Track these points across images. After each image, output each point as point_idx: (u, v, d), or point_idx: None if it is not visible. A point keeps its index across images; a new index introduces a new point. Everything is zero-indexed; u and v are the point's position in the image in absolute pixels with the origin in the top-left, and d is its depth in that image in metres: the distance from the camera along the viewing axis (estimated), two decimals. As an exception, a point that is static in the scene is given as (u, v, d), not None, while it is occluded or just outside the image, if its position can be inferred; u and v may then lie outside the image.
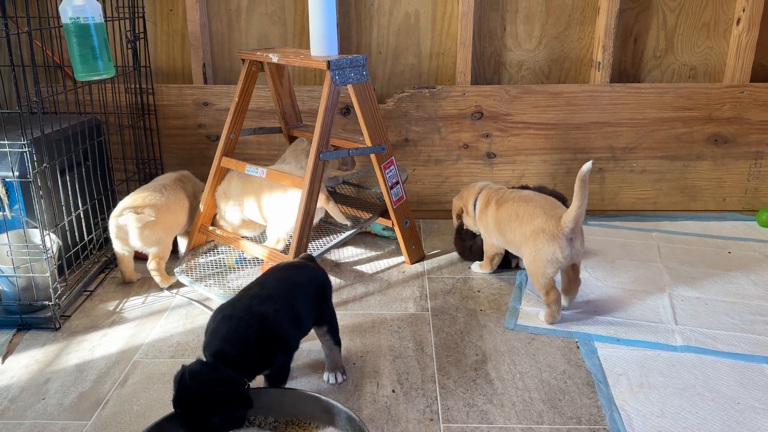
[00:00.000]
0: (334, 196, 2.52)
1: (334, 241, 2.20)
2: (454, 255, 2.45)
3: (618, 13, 2.57)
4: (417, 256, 2.39)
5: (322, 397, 1.45)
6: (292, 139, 2.44)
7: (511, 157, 2.73)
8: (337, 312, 1.98)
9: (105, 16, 2.09)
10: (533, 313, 2.02)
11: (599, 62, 2.63)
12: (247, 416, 1.41)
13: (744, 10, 2.56)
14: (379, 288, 2.20)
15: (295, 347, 1.55)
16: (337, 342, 1.68)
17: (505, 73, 2.78)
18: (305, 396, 1.47)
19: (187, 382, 1.34)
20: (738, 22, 2.60)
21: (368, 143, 2.14)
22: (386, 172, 2.21)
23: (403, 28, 2.71)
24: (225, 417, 1.33)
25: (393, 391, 1.66)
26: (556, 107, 2.65)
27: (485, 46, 2.73)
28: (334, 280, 2.24)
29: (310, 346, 1.84)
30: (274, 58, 2.10)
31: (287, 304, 1.51)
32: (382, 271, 2.32)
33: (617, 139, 2.68)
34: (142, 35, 2.57)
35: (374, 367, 1.76)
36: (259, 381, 1.52)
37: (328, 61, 1.94)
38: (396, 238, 2.43)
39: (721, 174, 2.70)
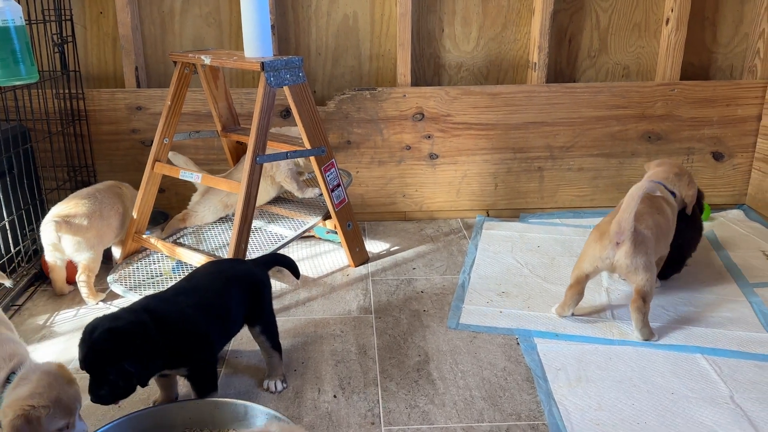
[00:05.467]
0: (275, 198, 2.49)
1: (275, 246, 2.16)
2: (399, 256, 2.44)
3: (552, 14, 2.61)
4: (361, 259, 2.37)
5: (258, 407, 1.42)
6: (229, 142, 2.39)
7: (453, 157, 2.74)
8: (279, 318, 1.95)
9: (30, 19, 2.00)
10: (475, 312, 2.03)
11: (535, 63, 2.68)
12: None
13: (672, 11, 2.64)
14: (322, 292, 2.17)
15: (219, 343, 1.52)
16: (275, 346, 1.65)
17: (444, 74, 2.79)
18: (239, 406, 1.44)
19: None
20: (667, 22, 2.68)
21: (307, 146, 2.11)
22: (327, 174, 2.19)
23: (341, 29, 2.69)
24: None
25: (334, 396, 1.64)
26: (495, 108, 2.68)
27: (424, 47, 2.74)
28: (277, 285, 2.20)
29: (250, 353, 1.80)
30: (207, 60, 2.05)
31: (211, 297, 1.48)
32: (326, 275, 2.30)
33: (554, 139, 2.72)
34: (70, 39, 2.48)
35: (316, 373, 1.73)
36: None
37: (262, 63, 1.90)
38: (340, 242, 2.40)
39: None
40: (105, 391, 1.33)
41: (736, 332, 1.89)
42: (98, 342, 1.32)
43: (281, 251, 2.13)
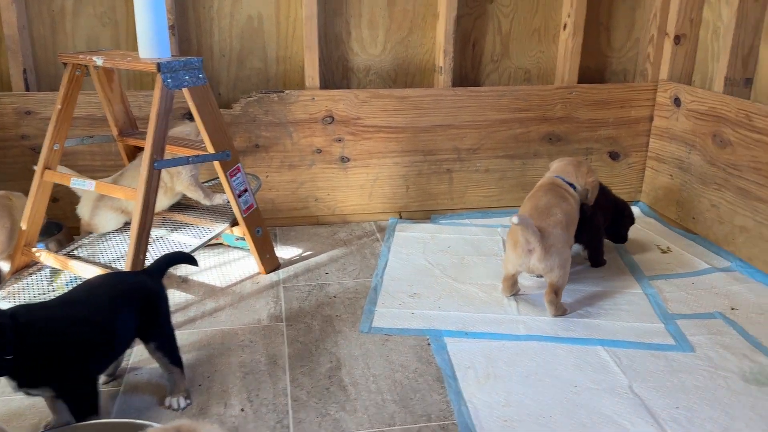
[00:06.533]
0: (178, 205, 2.39)
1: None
2: (311, 261, 2.41)
3: (456, 18, 2.66)
4: (272, 266, 2.32)
5: (159, 426, 1.35)
6: (127, 147, 2.27)
7: (365, 160, 2.74)
8: (184, 330, 1.88)
9: None
10: (388, 314, 2.03)
11: (441, 67, 2.71)
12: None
13: (569, 16, 2.75)
14: (230, 301, 2.10)
15: (100, 362, 1.43)
16: (175, 361, 1.57)
17: (353, 77, 2.78)
18: (138, 426, 1.36)
19: None
20: (564, 27, 2.79)
21: (210, 150, 2.04)
22: (233, 180, 2.12)
23: (246, 31, 2.63)
24: None
25: (242, 409, 1.58)
26: (404, 111, 2.70)
27: (332, 50, 2.72)
28: (181, 297, 2.11)
29: (151, 369, 1.71)
30: (99, 62, 1.94)
31: (91, 312, 1.39)
32: (235, 283, 2.23)
33: (462, 141, 2.77)
34: (-54, 37, 2.28)
35: (222, 387, 1.66)
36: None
37: (158, 63, 1.82)
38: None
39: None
40: None
41: (634, 324, 1.98)
42: None
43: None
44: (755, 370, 1.74)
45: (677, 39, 2.75)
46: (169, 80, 1.85)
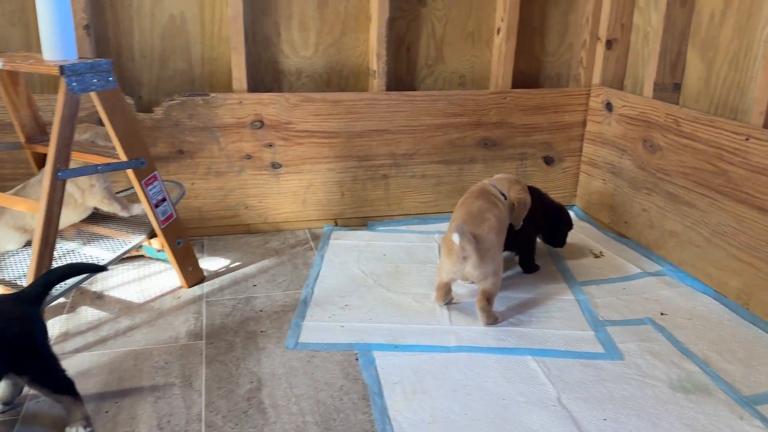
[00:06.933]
0: (93, 216, 2.25)
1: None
2: (239, 273, 2.31)
3: (389, 21, 2.60)
4: (195, 279, 2.20)
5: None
6: (35, 155, 2.12)
7: (297, 166, 2.65)
8: (93, 352, 1.78)
9: None
10: (316, 328, 1.94)
11: (375, 70, 2.65)
12: None
13: (503, 20, 2.73)
14: (147, 319, 1.98)
15: None
16: (60, 390, 1.43)
17: (284, 80, 2.69)
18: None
19: None
20: (498, 32, 2.77)
21: (123, 158, 1.91)
22: (149, 189, 2.00)
23: (168, 30, 2.50)
24: None
25: (150, 437, 1.48)
26: (337, 115, 2.62)
27: (261, 52, 2.62)
28: (94, 315, 1.98)
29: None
30: (-3, 63, 1.80)
31: None
32: (154, 299, 2.10)
33: (397, 146, 2.72)
34: None
35: (131, 414, 1.55)
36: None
37: (62, 66, 1.69)
38: (171, 261, 2.21)
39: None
40: None
41: (565, 331, 1.95)
42: None
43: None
44: (682, 377, 1.74)
45: (609, 44, 2.77)
46: (74, 84, 1.72)
